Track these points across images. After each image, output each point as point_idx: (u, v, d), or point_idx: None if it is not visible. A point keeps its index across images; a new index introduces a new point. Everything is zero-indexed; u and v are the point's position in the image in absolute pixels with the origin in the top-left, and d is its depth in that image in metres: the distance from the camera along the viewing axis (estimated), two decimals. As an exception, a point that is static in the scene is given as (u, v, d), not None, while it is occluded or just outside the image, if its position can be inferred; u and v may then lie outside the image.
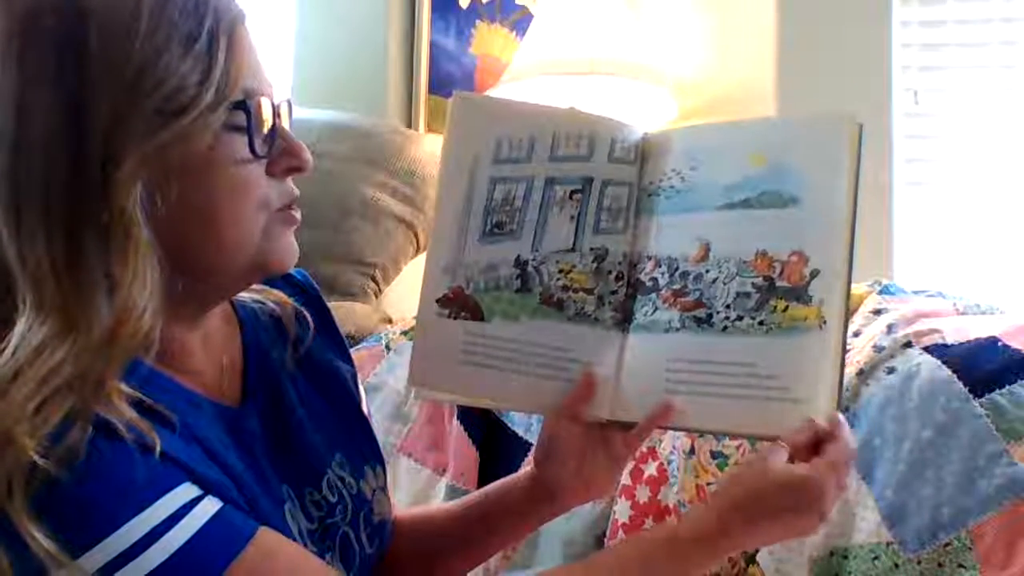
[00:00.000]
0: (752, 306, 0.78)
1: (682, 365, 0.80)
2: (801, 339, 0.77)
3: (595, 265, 0.83)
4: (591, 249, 0.83)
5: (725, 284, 0.80)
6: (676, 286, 0.81)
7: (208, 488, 0.64)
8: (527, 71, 2.00)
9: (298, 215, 0.74)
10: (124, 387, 0.63)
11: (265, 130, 0.70)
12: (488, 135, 0.82)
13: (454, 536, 0.93)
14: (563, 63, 1.96)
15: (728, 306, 0.79)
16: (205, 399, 0.72)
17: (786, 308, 0.78)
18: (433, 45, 2.28)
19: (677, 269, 0.81)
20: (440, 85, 2.27)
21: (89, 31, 0.63)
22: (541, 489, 0.88)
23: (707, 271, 0.80)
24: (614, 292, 0.83)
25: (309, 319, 0.86)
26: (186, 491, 0.62)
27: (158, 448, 0.62)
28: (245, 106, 0.68)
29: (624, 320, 0.83)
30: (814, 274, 0.77)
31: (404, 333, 1.58)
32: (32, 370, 0.60)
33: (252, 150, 0.69)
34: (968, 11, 2.07)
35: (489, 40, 2.32)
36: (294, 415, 0.80)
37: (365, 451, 0.87)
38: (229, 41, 0.67)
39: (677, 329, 0.80)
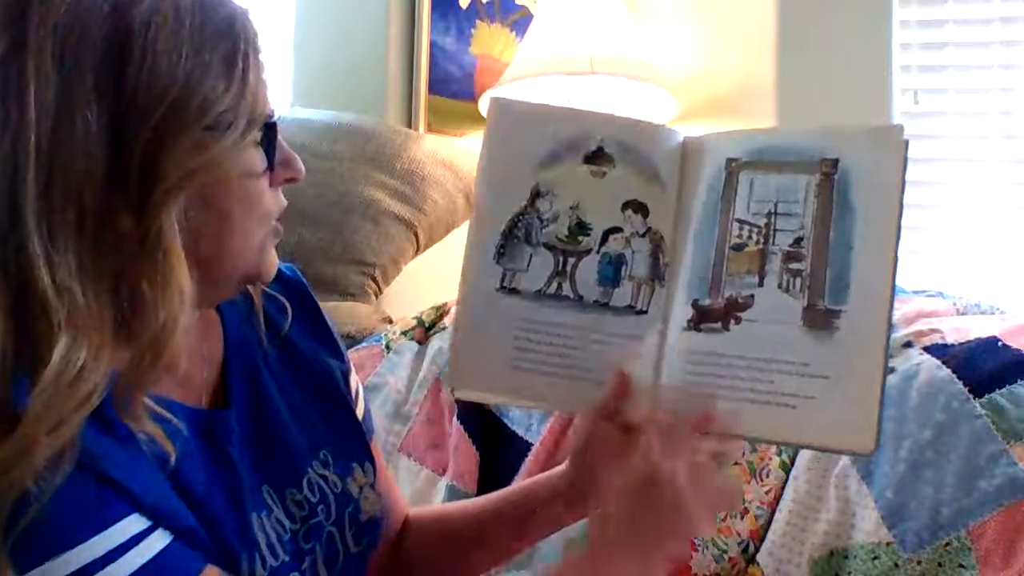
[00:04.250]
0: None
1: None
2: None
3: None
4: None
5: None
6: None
7: (159, 519, 0.63)
8: (527, 71, 2.00)
9: (282, 228, 0.75)
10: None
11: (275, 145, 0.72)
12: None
13: (470, 537, 0.93)
14: (563, 63, 1.95)
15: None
16: (179, 405, 0.71)
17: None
18: (433, 45, 2.28)
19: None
20: (440, 85, 2.27)
21: (132, 54, 0.63)
22: (575, 491, 0.86)
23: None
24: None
25: (288, 307, 0.86)
26: (133, 524, 0.61)
27: (108, 476, 0.61)
28: (270, 125, 0.70)
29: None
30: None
31: (404, 333, 1.58)
32: (70, 390, 0.59)
33: (271, 165, 0.71)
34: (968, 11, 2.07)
35: (489, 40, 2.32)
36: (276, 414, 0.80)
37: (353, 448, 0.86)
38: (256, 62, 0.69)
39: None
